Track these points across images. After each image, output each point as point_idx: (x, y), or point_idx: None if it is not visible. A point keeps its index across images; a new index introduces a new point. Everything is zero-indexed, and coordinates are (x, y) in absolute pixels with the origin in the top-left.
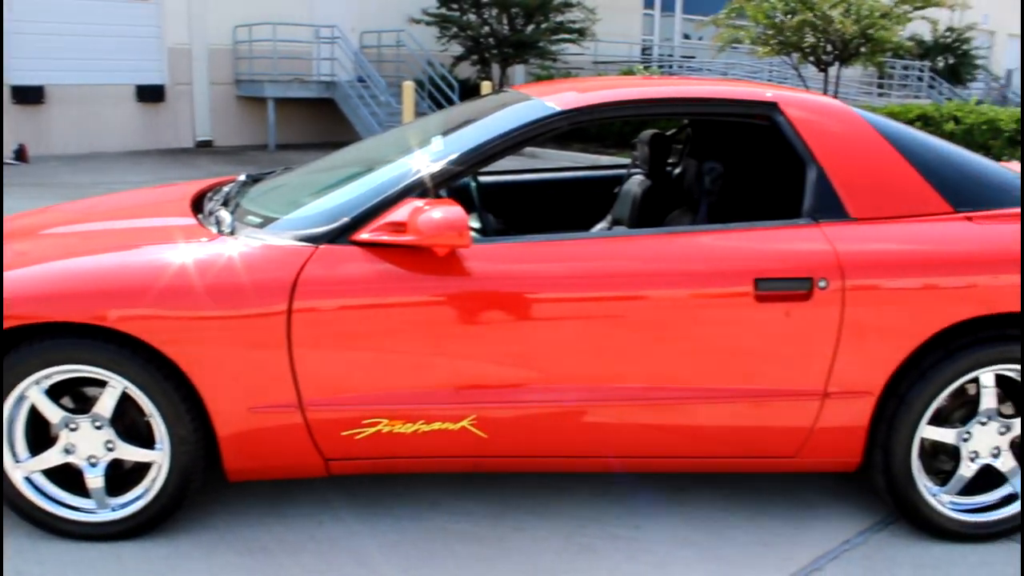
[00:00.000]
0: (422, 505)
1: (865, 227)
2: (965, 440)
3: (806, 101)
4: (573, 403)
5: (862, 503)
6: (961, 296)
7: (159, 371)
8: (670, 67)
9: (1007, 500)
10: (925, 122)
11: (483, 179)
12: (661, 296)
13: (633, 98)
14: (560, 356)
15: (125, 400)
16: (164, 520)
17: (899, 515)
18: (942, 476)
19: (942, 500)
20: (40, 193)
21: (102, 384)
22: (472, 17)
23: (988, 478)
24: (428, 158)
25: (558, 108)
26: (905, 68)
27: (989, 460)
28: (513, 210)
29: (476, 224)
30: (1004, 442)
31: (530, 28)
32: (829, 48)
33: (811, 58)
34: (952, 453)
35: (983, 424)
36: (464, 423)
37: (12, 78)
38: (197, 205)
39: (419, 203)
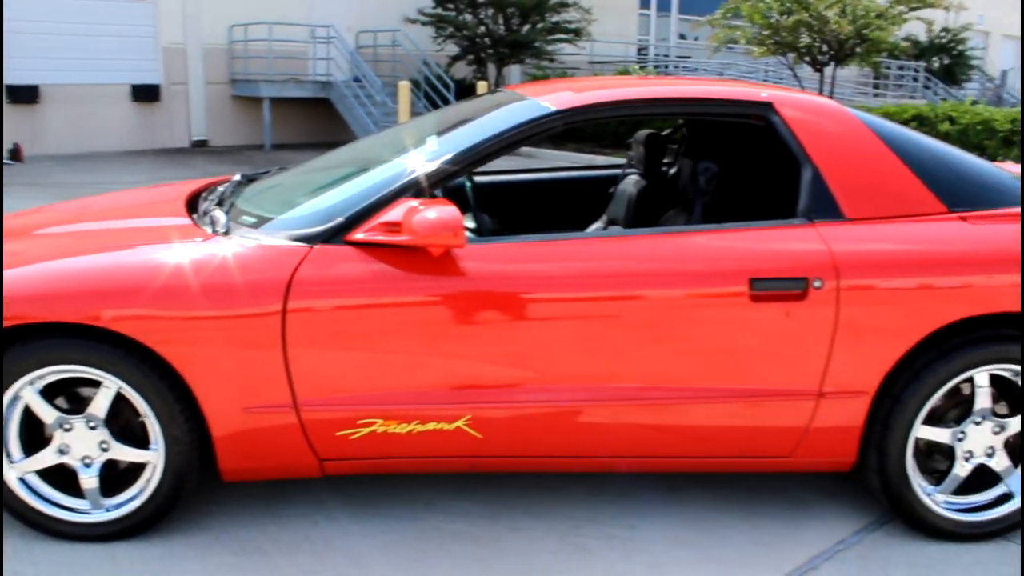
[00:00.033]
0: (417, 505)
1: (860, 227)
2: (960, 440)
3: (801, 101)
4: (568, 403)
5: (857, 503)
6: (956, 296)
7: (153, 371)
8: (666, 67)
9: (1001, 500)
10: (920, 122)
11: (478, 179)
12: (656, 296)
13: (628, 98)
14: (555, 356)
15: (119, 400)
16: (159, 520)
17: (894, 515)
18: (937, 476)
19: (937, 500)
20: (35, 193)
21: (96, 384)
22: (468, 17)
23: (982, 478)
24: (423, 158)
25: (553, 108)
26: (900, 68)
27: (983, 460)
28: (508, 210)
29: (471, 224)
30: (998, 442)
31: (526, 28)
32: (825, 48)
33: (807, 58)
34: (947, 453)
35: (977, 424)
36: (459, 423)
37: (7, 77)
38: (192, 205)
39: (414, 203)
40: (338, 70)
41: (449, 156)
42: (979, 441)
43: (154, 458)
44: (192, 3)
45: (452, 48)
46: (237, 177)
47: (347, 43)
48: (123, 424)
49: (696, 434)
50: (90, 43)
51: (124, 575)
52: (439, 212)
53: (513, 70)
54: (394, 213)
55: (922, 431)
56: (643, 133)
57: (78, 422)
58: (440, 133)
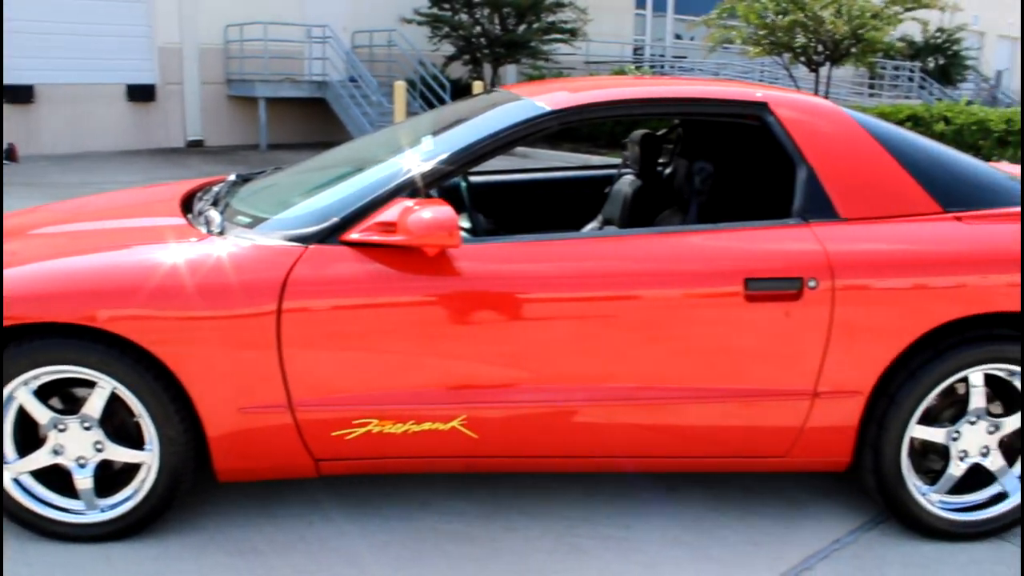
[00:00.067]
0: (412, 505)
1: (855, 227)
2: (954, 439)
3: (796, 101)
4: (563, 403)
5: (852, 502)
6: (950, 296)
7: (148, 371)
8: (662, 67)
9: (996, 499)
10: (915, 122)
11: (473, 179)
12: (651, 296)
13: (623, 98)
14: (550, 356)
15: (114, 401)
16: (153, 521)
17: (889, 514)
18: (932, 475)
19: (932, 499)
20: (30, 193)
21: (91, 385)
22: (464, 17)
23: (977, 477)
24: (418, 158)
25: (548, 108)
26: (896, 69)
27: (978, 459)
28: (503, 210)
29: (466, 224)
30: (993, 441)
31: (522, 28)
32: (820, 48)
33: (802, 58)
34: (941, 452)
35: (972, 423)
36: (454, 423)
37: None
38: (187, 205)
39: (409, 203)
40: (334, 70)
41: (444, 156)
42: (974, 441)
43: (149, 458)
44: (188, 3)
45: (448, 48)
46: (232, 177)
47: (343, 43)
48: (118, 424)
49: (691, 434)
50: (86, 43)
51: None
52: (434, 212)
53: (509, 70)
54: (389, 213)
55: (917, 431)
56: (639, 133)
57: (72, 422)
58: (435, 133)
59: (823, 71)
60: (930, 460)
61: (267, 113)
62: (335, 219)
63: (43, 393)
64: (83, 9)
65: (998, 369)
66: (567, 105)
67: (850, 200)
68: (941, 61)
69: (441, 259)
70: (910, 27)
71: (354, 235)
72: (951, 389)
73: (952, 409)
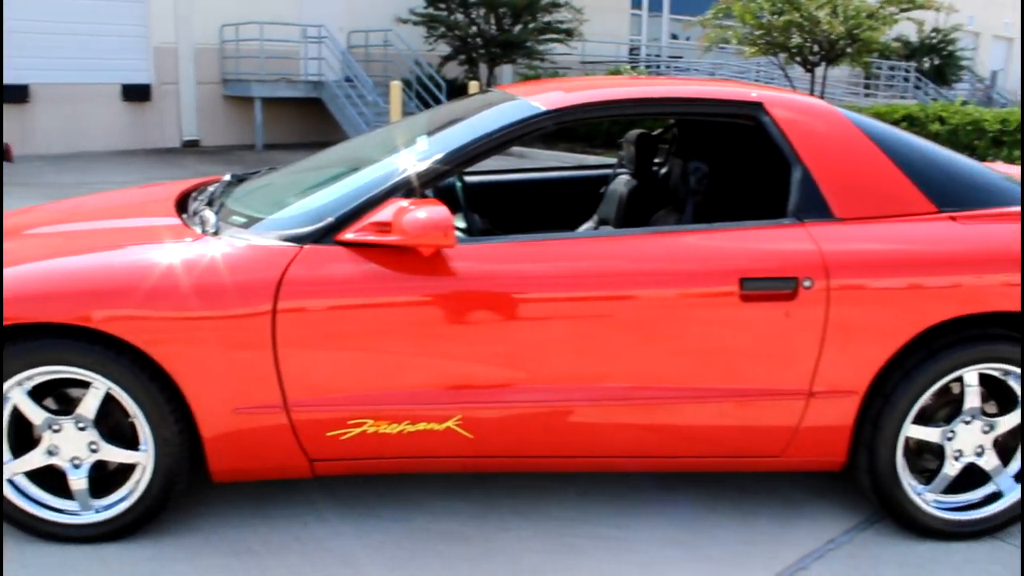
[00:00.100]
0: (407, 505)
1: (850, 227)
2: (949, 439)
3: (791, 101)
4: (559, 403)
5: (847, 502)
6: (945, 296)
7: (143, 372)
8: (657, 67)
9: (991, 499)
10: (910, 122)
11: (469, 179)
12: (647, 296)
13: (618, 98)
14: (546, 356)
15: (109, 401)
16: (148, 522)
17: (884, 514)
18: (927, 475)
19: (927, 499)
20: (25, 193)
21: (86, 385)
22: (460, 17)
23: (972, 477)
24: (413, 158)
25: (543, 108)
26: (891, 69)
27: (973, 459)
28: (499, 210)
29: (461, 224)
30: (988, 441)
31: (518, 28)
32: (816, 48)
33: (798, 58)
34: (936, 452)
35: (967, 423)
36: (450, 423)
37: None
38: (182, 205)
39: (404, 203)
40: (330, 70)
41: (439, 156)
42: (969, 440)
43: (144, 459)
44: (183, 3)
45: (444, 48)
46: (227, 177)
47: (339, 43)
48: (112, 425)
49: (686, 434)
50: (81, 42)
51: None
52: (429, 212)
53: (505, 70)
54: (384, 213)
55: (912, 430)
56: (634, 133)
57: (67, 423)
58: (431, 133)
59: (819, 71)
60: (925, 460)
61: (263, 113)
62: (330, 219)
63: (37, 393)
64: (78, 9)
65: (993, 369)
66: (562, 105)
67: (845, 200)
68: (936, 61)
69: (436, 259)
70: (906, 27)
71: (349, 235)
72: (946, 389)
73: (947, 409)
